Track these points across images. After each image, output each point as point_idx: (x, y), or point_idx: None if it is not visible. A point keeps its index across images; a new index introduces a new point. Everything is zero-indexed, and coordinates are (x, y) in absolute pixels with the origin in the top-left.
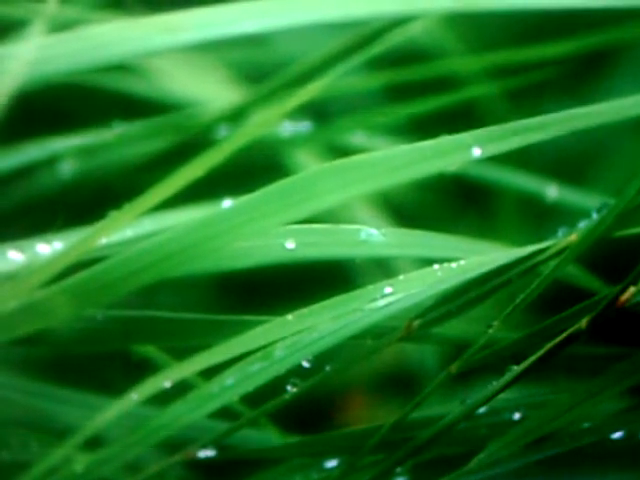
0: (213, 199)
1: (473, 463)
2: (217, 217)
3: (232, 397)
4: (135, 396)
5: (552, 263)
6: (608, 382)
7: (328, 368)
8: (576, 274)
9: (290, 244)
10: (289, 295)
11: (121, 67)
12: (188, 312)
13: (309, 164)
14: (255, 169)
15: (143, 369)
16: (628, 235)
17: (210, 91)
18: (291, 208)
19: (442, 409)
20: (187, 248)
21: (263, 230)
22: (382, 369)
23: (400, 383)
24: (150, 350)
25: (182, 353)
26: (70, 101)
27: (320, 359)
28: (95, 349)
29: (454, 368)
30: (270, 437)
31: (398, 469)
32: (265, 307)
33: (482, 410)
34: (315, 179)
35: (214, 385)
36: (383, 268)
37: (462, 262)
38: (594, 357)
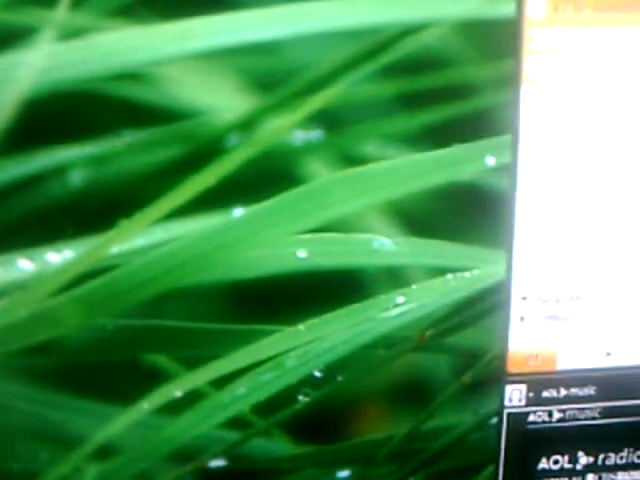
0: (224, 208)
1: (486, 473)
2: (228, 226)
3: (243, 407)
4: (146, 405)
5: None
6: None
7: (340, 378)
8: None
9: (302, 253)
10: (301, 305)
11: (132, 75)
12: (199, 321)
13: (321, 173)
14: (266, 178)
15: (154, 378)
16: None
17: (221, 99)
18: (303, 217)
19: (454, 419)
20: (198, 257)
21: (275, 239)
22: (394, 379)
23: (412, 393)
24: (161, 359)
25: (193, 362)
26: (80, 109)
27: (332, 369)
28: (105, 358)
29: (467, 378)
30: (281, 447)
31: (413, 478)
32: (277, 317)
33: (495, 420)
34: (327, 188)
35: (225, 395)
36: (395, 277)
37: (475, 271)
38: None
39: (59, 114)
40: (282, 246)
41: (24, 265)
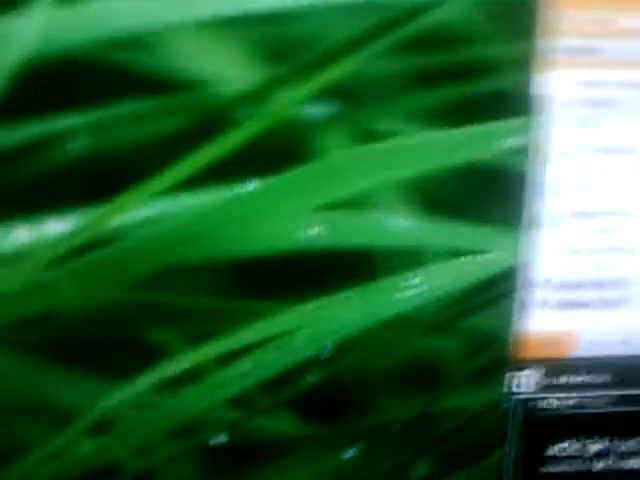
0: (234, 182)
1: (494, 457)
2: (238, 200)
3: (248, 384)
4: (146, 380)
5: None
6: None
7: (349, 358)
8: None
9: (315, 230)
10: (313, 283)
11: (135, 42)
12: (206, 297)
13: (336, 149)
14: (278, 152)
15: (155, 354)
16: None
17: (230, 69)
18: (316, 194)
19: (465, 402)
20: (205, 231)
21: (287, 215)
22: (405, 360)
23: (423, 375)
24: (164, 335)
25: (197, 339)
26: (81, 76)
27: (341, 348)
28: (106, 332)
29: (480, 361)
30: (286, 425)
31: (420, 460)
32: (287, 294)
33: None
34: (342, 164)
35: (230, 371)
36: (411, 258)
37: (493, 254)
38: None
39: (58, 81)
40: (295, 222)
41: (21, 234)
